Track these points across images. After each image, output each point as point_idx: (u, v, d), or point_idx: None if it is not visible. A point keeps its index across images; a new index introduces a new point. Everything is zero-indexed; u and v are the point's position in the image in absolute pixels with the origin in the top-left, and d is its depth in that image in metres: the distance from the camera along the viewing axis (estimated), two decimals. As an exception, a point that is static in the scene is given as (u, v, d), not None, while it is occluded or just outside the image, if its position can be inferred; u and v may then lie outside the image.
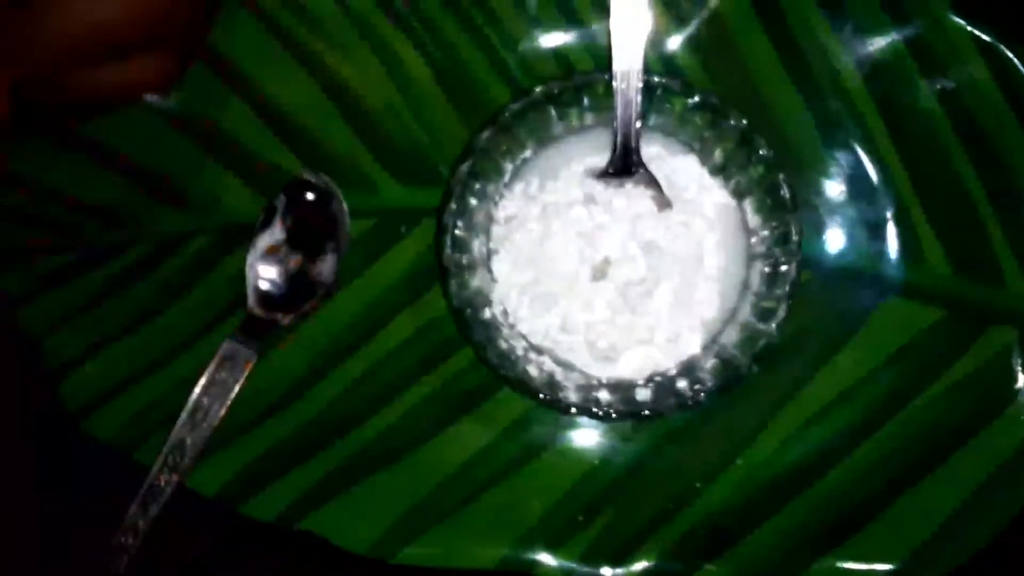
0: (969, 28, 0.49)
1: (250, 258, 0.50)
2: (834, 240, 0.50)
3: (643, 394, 0.43)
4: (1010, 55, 0.49)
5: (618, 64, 0.43)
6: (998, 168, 0.49)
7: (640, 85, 0.43)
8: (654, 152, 0.47)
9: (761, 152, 0.44)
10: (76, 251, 0.52)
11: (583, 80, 0.44)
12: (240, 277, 0.50)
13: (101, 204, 0.52)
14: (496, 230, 0.47)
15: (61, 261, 0.51)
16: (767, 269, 0.45)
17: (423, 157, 0.51)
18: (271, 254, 0.50)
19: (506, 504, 0.49)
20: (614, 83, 0.44)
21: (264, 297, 0.50)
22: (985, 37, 0.49)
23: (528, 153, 0.48)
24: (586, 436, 0.49)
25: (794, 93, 0.50)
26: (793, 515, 0.48)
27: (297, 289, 0.50)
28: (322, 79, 0.52)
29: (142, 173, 0.52)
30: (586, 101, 0.46)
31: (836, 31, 0.50)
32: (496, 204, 0.47)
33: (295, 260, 0.50)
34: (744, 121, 0.44)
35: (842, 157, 0.50)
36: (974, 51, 0.49)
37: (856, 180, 0.50)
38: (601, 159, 0.47)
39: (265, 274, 0.50)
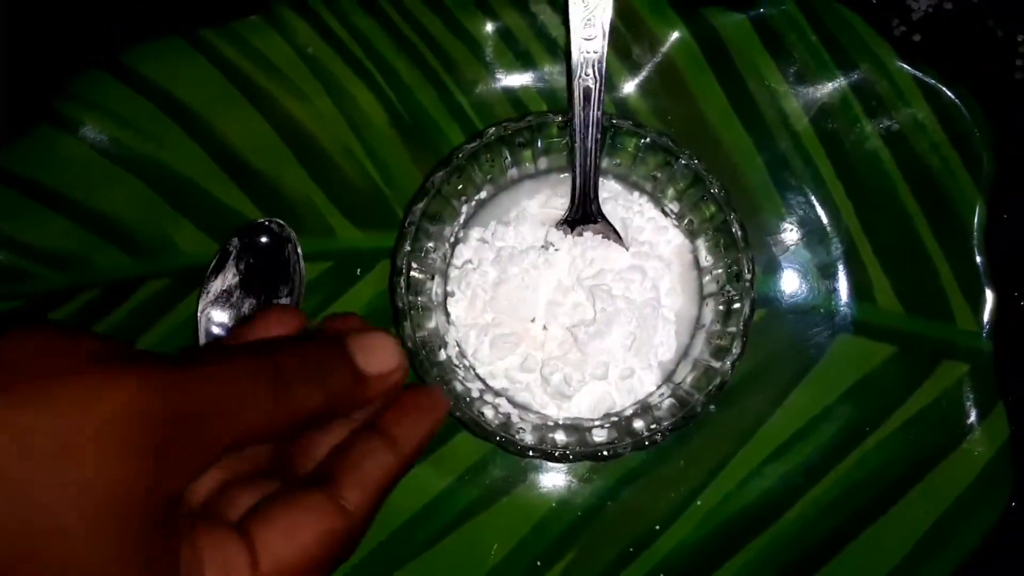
0: (912, 72, 0.50)
1: (202, 303, 0.49)
2: (787, 279, 0.50)
3: (600, 434, 0.42)
4: (952, 97, 0.50)
5: (579, 117, 0.44)
6: (944, 207, 0.50)
7: (599, 137, 0.44)
8: (607, 194, 0.47)
9: (713, 191, 0.44)
10: (21, 297, 0.50)
11: (537, 120, 0.44)
12: (192, 322, 0.49)
13: (49, 249, 0.51)
14: (452, 272, 0.47)
15: (6, 307, 0.50)
16: (720, 307, 0.45)
17: (379, 200, 0.51)
18: (224, 299, 0.49)
19: (465, 550, 0.48)
20: (575, 136, 0.44)
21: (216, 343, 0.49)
22: (928, 80, 0.50)
23: (483, 195, 0.48)
24: (544, 479, 0.49)
25: (745, 135, 0.51)
26: (754, 555, 0.48)
27: (250, 333, 0.49)
28: (277, 121, 0.51)
29: (92, 217, 0.51)
30: (540, 144, 0.46)
31: (784, 75, 0.51)
32: (451, 247, 0.47)
33: (249, 304, 0.49)
34: (696, 160, 0.44)
35: (793, 198, 0.51)
36: (918, 94, 0.50)
37: (807, 220, 0.51)
38: (556, 202, 0.48)
39: (217, 319, 0.49)
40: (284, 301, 0.49)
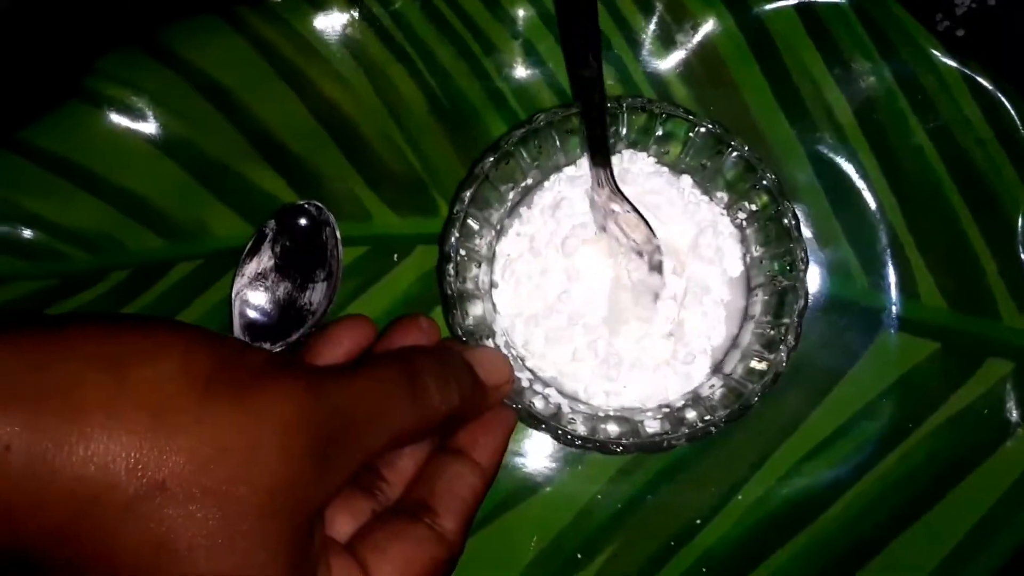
0: (958, 67, 0.50)
1: (237, 285, 0.48)
2: (830, 274, 0.50)
3: (651, 425, 0.42)
4: (998, 93, 0.49)
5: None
6: (990, 204, 0.49)
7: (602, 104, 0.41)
8: (658, 182, 0.47)
9: (765, 181, 0.43)
10: (53, 277, 0.49)
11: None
12: (224, 306, 0.49)
13: (79, 229, 0.50)
14: (498, 259, 0.46)
15: (37, 287, 0.49)
16: (768, 297, 0.44)
17: (417, 186, 0.50)
18: (259, 281, 0.48)
19: (503, 541, 0.47)
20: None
21: (250, 326, 0.48)
22: (974, 75, 0.50)
23: (529, 181, 0.47)
24: (584, 471, 0.48)
25: (788, 127, 0.51)
26: (794, 551, 0.47)
27: (286, 318, 0.48)
28: (314, 104, 0.51)
29: (123, 197, 0.50)
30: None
31: (829, 67, 0.51)
32: (498, 233, 0.46)
33: (284, 288, 0.49)
34: (746, 148, 0.44)
35: (836, 192, 0.50)
36: (964, 89, 0.50)
37: (851, 215, 0.50)
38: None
39: (252, 302, 0.48)
40: (320, 285, 0.49)
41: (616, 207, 0.44)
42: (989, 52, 0.52)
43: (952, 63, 0.50)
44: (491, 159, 0.44)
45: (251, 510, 0.27)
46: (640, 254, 0.44)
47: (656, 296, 0.44)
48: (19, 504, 0.25)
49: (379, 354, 0.37)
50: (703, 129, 0.44)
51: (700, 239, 0.45)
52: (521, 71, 0.51)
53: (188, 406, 0.27)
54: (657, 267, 0.44)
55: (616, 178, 0.46)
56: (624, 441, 0.41)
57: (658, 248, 0.44)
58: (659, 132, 0.45)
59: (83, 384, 0.26)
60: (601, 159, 0.43)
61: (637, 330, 0.45)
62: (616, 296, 0.45)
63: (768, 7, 0.51)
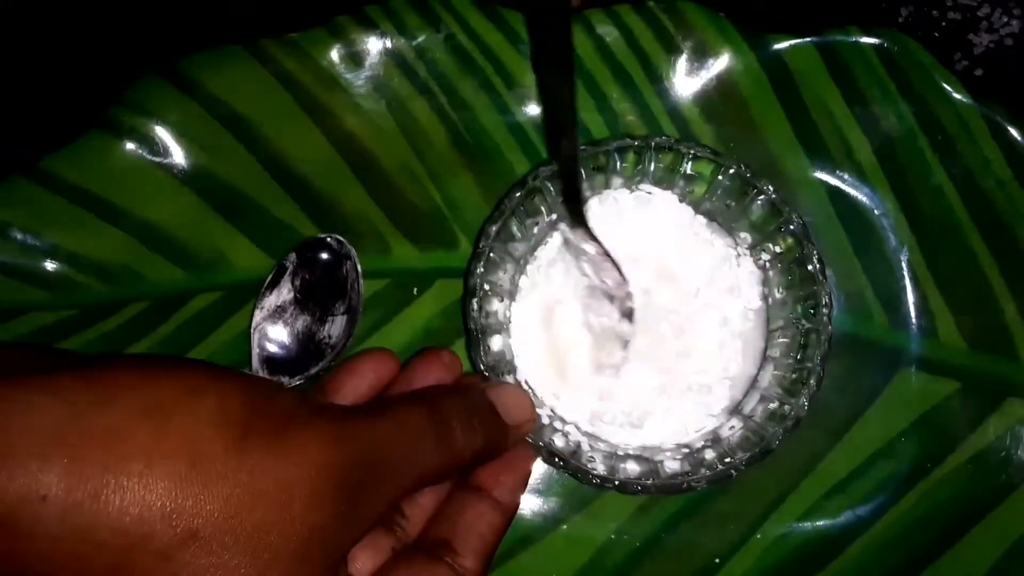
0: (978, 107, 0.50)
1: (256, 318, 0.48)
2: (849, 313, 0.50)
3: (671, 465, 0.42)
4: (1016, 135, 0.49)
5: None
6: (1010, 244, 0.49)
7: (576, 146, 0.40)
8: (680, 219, 0.47)
9: (791, 225, 0.43)
10: (71, 308, 0.49)
11: (616, 144, 0.44)
12: (244, 338, 0.48)
13: (98, 260, 0.50)
14: (520, 294, 0.46)
15: (54, 318, 0.49)
16: (789, 340, 0.44)
17: (437, 219, 0.50)
18: (278, 315, 0.48)
19: (522, 579, 0.47)
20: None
21: (269, 359, 0.48)
22: (994, 116, 0.50)
23: (554, 216, 0.47)
24: (601, 509, 0.48)
25: (808, 164, 0.51)
26: (816, 591, 0.47)
27: (305, 351, 0.48)
28: (335, 136, 0.51)
29: (143, 228, 0.50)
30: (618, 166, 0.45)
31: (849, 105, 0.51)
32: (521, 267, 0.46)
33: (303, 321, 0.48)
34: (773, 190, 0.44)
35: (856, 229, 0.50)
36: (985, 131, 0.50)
37: (870, 253, 0.50)
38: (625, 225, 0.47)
39: (271, 335, 0.48)
40: (340, 319, 0.48)
41: (589, 248, 0.43)
42: (1007, 91, 0.52)
43: (972, 103, 0.50)
44: (518, 194, 0.44)
45: (282, 557, 0.27)
46: (611, 299, 0.44)
47: (625, 343, 0.44)
48: (53, 555, 0.25)
49: (404, 395, 0.38)
50: (730, 171, 0.44)
51: (716, 273, 0.45)
52: (542, 106, 0.51)
53: (223, 453, 0.27)
54: (628, 314, 0.44)
55: (611, 216, 0.46)
56: (644, 482, 0.41)
57: (629, 295, 0.44)
58: (685, 171, 0.45)
59: (123, 433, 0.26)
60: (573, 196, 0.42)
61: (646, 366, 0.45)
62: (583, 342, 0.45)
63: (788, 44, 0.51)
